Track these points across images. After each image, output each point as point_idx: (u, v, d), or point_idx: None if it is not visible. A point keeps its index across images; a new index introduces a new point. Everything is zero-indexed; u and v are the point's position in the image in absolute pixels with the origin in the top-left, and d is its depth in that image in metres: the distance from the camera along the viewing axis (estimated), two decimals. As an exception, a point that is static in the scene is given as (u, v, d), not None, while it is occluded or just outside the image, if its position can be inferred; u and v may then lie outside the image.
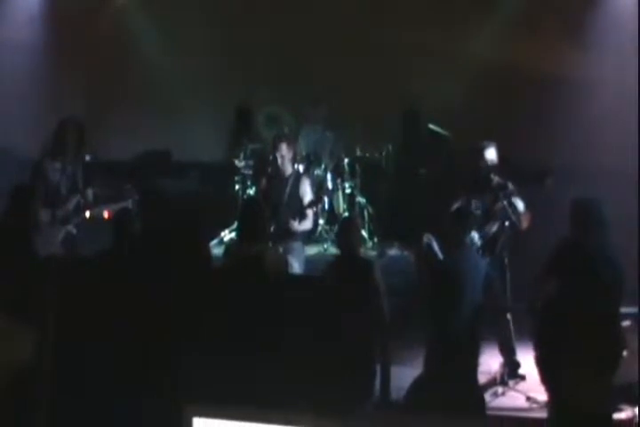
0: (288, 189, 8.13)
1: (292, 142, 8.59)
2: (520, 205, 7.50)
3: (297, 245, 8.04)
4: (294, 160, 8.61)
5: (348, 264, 6.59)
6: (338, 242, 7.10)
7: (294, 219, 7.98)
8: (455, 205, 7.42)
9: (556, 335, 5.61)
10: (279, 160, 8.21)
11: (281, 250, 7.46)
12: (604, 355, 5.60)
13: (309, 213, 8.10)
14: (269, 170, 8.49)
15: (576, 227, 6.07)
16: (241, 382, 4.78)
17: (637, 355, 6.18)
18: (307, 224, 8.14)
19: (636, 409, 6.06)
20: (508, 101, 10.73)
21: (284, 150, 8.20)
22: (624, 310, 6.15)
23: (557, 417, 5.76)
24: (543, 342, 5.88)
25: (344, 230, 6.94)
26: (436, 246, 6.88)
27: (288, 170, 8.26)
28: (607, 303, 5.80)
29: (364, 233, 10.12)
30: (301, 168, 9.76)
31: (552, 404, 5.79)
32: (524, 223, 7.48)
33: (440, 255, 6.84)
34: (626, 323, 6.33)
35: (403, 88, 11.04)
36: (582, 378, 5.42)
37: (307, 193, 8.19)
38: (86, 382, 4.68)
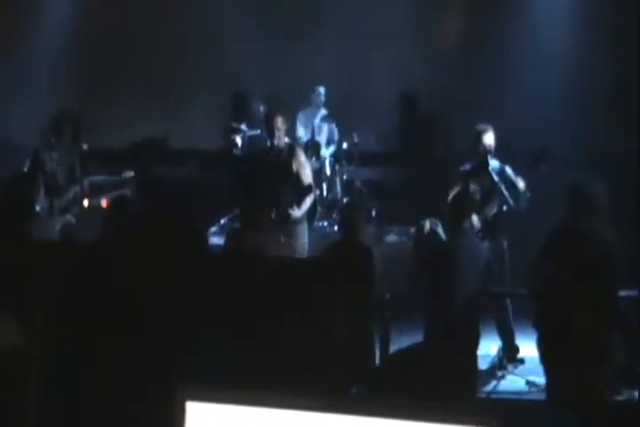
0: (283, 162, 8.01)
1: (286, 116, 8.42)
2: (521, 184, 7.48)
3: (300, 228, 7.94)
4: (288, 134, 8.49)
5: (346, 249, 6.57)
6: (340, 228, 7.09)
7: (293, 206, 7.88)
8: (454, 190, 7.39)
9: (554, 319, 5.60)
10: (275, 133, 8.06)
11: (282, 239, 7.40)
12: (601, 338, 5.59)
13: (309, 195, 8.02)
14: (264, 142, 8.39)
15: (569, 209, 6.04)
16: (238, 367, 4.77)
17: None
18: (306, 205, 8.02)
19: (635, 393, 6.05)
20: (510, 85, 10.66)
21: (280, 123, 8.07)
22: (623, 293, 6.13)
23: (557, 400, 5.76)
24: (542, 325, 5.87)
25: (347, 217, 6.94)
26: (441, 230, 6.84)
27: (282, 142, 8.13)
28: (602, 286, 5.78)
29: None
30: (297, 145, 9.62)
31: (551, 387, 5.79)
32: (524, 203, 7.46)
33: (444, 238, 6.82)
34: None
35: (400, 72, 11.00)
36: (580, 361, 5.42)
37: (302, 165, 8.06)
38: (79, 366, 4.68)
